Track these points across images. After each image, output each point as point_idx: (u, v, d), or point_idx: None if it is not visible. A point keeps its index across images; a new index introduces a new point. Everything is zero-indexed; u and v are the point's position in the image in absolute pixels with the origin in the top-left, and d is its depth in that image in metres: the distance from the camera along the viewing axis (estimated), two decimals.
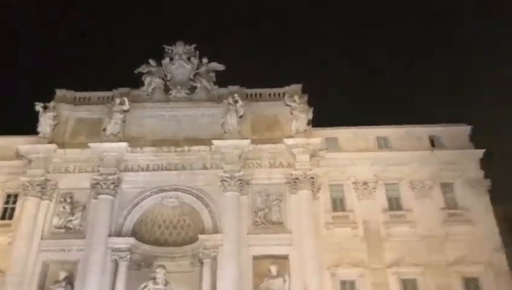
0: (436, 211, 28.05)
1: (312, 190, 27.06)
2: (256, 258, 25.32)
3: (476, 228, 27.46)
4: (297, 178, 26.94)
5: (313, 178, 27.17)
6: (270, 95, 30.67)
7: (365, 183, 28.46)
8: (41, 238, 26.05)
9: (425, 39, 67.39)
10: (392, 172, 29.09)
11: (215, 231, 25.72)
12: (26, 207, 26.78)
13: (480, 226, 27.50)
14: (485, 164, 29.83)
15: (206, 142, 27.83)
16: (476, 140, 30.73)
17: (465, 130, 30.97)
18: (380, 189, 28.65)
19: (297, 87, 30.35)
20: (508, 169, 41.98)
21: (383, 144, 30.48)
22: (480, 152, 29.74)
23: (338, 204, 28.28)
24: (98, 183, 26.99)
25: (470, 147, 30.21)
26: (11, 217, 28.12)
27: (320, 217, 27.13)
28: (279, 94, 30.44)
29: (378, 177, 28.77)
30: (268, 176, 27.51)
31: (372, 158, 29.33)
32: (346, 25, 71.95)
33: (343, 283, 25.84)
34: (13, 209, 28.38)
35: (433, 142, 30.67)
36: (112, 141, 28.07)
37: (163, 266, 24.99)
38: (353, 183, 28.54)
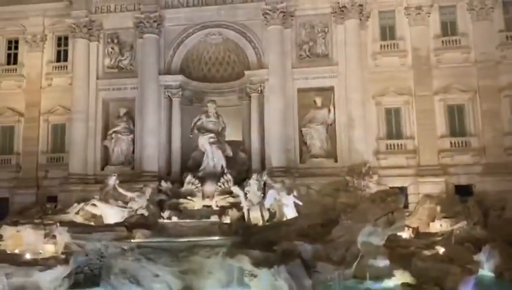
0: (494, 34, 26.19)
1: (360, 19, 25.73)
2: (301, 90, 25.99)
3: None
4: (344, 6, 25.41)
5: (361, 5, 25.56)
6: None
7: (419, 7, 26.33)
8: (97, 78, 27.61)
9: None
10: None
11: (260, 66, 25.97)
12: (77, 49, 27.72)
13: None
14: None
15: None
16: None
17: None
18: (434, 13, 26.63)
19: None
20: None
21: None
22: None
23: (387, 32, 26.90)
24: (141, 22, 26.94)
25: None
26: (65, 59, 29.48)
27: (367, 47, 26.34)
28: None
29: (434, 0, 26.50)
30: (313, 6, 26.10)
31: None
32: None
33: (388, 110, 26.33)
34: (66, 52, 29.58)
35: None
36: None
37: (213, 101, 26.35)
38: (405, 8, 26.49)
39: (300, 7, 26.24)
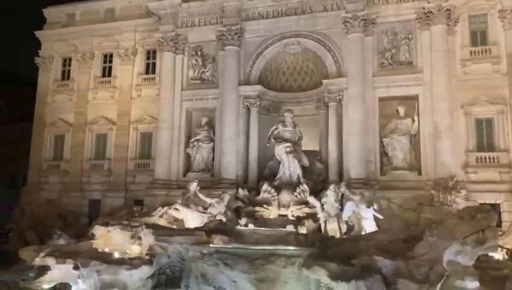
0: None
1: (448, 24, 24.40)
2: (382, 100, 25.17)
3: None
4: (430, 12, 24.27)
5: (449, 10, 24.23)
6: None
7: None
8: (182, 89, 29.01)
9: None
10: None
11: (339, 75, 25.59)
12: (164, 62, 29.37)
13: None
14: None
15: None
16: None
17: None
18: None
19: None
20: None
21: None
22: None
23: (479, 37, 25.13)
24: (223, 35, 27.90)
25: None
26: (154, 72, 31.41)
27: (456, 54, 24.81)
28: None
29: None
30: (396, 13, 25.25)
31: None
32: None
33: (478, 121, 24.48)
34: (154, 64, 31.50)
35: None
36: None
37: (290, 110, 26.44)
38: (499, 11, 24.57)
39: (383, 14, 25.54)
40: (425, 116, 24.21)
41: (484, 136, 24.41)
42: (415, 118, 24.46)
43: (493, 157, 23.88)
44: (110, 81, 32.44)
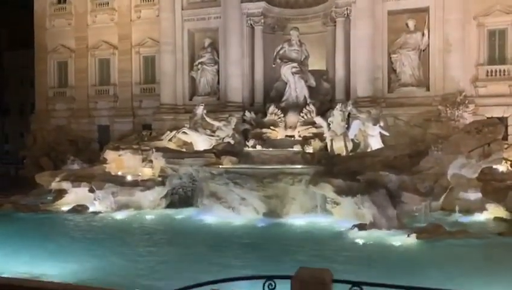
0: None
1: None
2: (391, 13, 24.10)
3: None
4: None
5: None
6: None
7: None
8: (182, 9, 27.82)
9: None
10: None
11: None
12: None
13: None
14: None
15: None
16: None
17: None
18: None
19: None
20: None
21: None
22: None
23: None
24: None
25: None
26: None
27: None
28: None
29: None
30: None
31: None
32: None
33: (491, 32, 23.59)
34: None
35: None
36: None
37: (296, 28, 25.51)
38: None
39: None
40: (436, 29, 23.32)
41: (496, 49, 23.68)
42: (425, 31, 23.59)
43: (504, 70, 23.34)
44: (108, 3, 31.24)
